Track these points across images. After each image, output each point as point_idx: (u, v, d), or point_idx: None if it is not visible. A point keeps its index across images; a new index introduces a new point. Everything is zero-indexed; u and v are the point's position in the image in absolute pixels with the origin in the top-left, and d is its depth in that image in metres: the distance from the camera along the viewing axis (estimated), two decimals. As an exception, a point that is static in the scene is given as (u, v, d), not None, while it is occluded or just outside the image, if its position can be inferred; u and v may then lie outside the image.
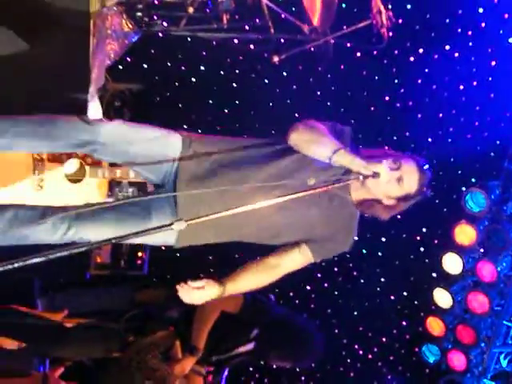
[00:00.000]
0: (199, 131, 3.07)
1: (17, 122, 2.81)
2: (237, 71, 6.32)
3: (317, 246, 2.93)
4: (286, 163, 2.84)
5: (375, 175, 2.63)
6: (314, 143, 2.73)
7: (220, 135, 3.04)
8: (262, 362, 4.61)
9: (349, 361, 7.14)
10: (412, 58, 6.45)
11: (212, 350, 3.99)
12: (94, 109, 4.16)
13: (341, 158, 2.64)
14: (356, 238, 3.02)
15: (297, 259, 2.94)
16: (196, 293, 2.80)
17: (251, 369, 6.27)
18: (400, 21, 4.79)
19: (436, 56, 6.38)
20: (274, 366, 4.21)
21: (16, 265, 1.67)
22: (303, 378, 6.79)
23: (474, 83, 6.41)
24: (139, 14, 4.35)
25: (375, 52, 5.20)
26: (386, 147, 2.96)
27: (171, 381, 3.85)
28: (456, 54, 6.34)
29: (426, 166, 2.90)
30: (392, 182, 2.78)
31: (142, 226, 2.74)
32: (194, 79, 6.19)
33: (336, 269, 7.02)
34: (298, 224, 2.89)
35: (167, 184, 2.92)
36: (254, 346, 4.12)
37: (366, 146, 3.02)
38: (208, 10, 4.46)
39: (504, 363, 5.98)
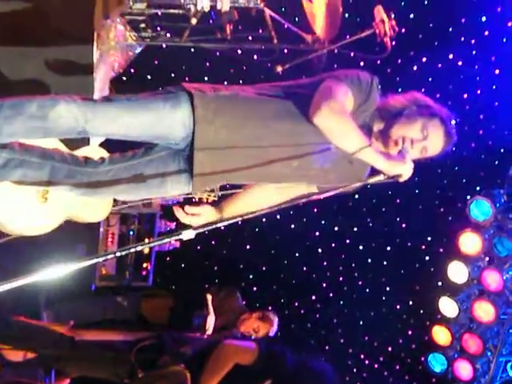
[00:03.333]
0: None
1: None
2: (240, 81, 6.33)
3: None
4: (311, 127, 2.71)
5: (398, 177, 2.58)
6: (339, 134, 2.62)
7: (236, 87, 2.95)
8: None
9: (355, 370, 7.12)
10: (415, 67, 6.46)
11: None
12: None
13: (365, 156, 2.58)
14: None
15: (302, 188, 2.92)
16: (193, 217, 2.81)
17: None
18: (403, 30, 4.79)
19: (439, 65, 6.40)
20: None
21: (23, 282, 1.67)
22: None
23: (478, 91, 6.42)
24: (142, 25, 4.37)
25: (378, 61, 5.20)
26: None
27: None
28: (459, 63, 6.36)
29: (454, 122, 2.84)
30: (415, 150, 2.76)
31: (156, 191, 2.81)
32: (197, 90, 6.19)
33: (341, 278, 7.01)
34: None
35: (183, 148, 2.84)
36: None
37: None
38: (211, 21, 4.48)
39: (511, 372, 5.96)
